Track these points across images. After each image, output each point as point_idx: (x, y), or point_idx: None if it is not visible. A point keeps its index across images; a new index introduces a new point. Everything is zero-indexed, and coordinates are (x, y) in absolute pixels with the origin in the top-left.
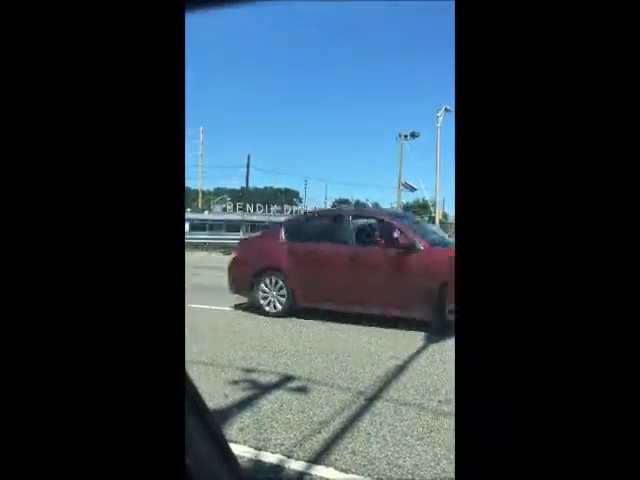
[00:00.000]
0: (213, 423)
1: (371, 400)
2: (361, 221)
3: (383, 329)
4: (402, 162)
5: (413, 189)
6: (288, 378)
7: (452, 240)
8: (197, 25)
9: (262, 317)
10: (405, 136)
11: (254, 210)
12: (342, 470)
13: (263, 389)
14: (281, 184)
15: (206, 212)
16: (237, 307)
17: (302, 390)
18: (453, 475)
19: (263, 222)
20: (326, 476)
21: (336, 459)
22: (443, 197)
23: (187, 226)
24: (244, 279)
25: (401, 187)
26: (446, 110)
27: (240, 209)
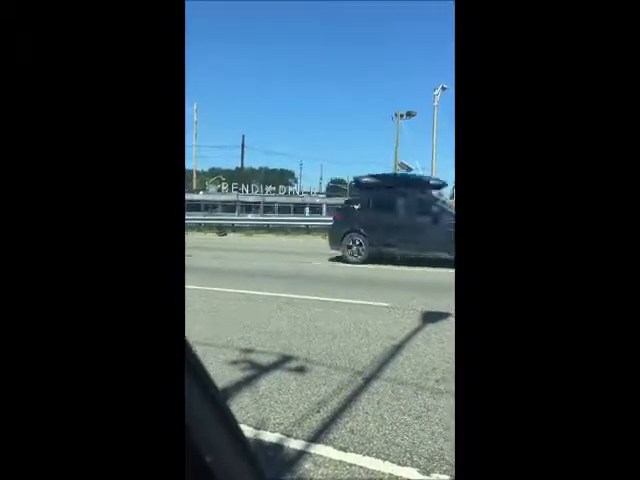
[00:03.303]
0: (233, 418)
1: (369, 380)
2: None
3: (380, 309)
4: (398, 142)
5: (409, 169)
6: (286, 358)
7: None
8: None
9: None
10: (401, 115)
11: (249, 191)
12: (341, 449)
13: (262, 369)
14: (276, 164)
15: (201, 193)
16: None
17: (300, 370)
18: (449, 453)
19: (258, 203)
20: (326, 455)
21: (335, 438)
22: (439, 177)
23: None
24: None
25: (397, 167)
26: (443, 88)
27: (235, 189)
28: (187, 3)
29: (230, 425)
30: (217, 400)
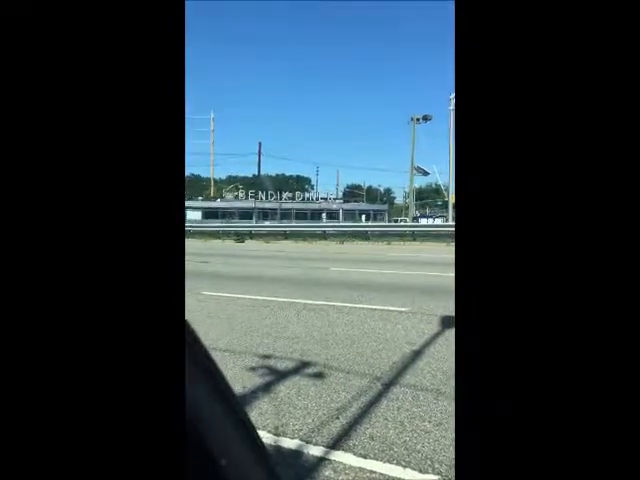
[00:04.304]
0: (249, 423)
1: (388, 386)
2: None
3: (398, 315)
4: (414, 146)
5: (426, 173)
6: (305, 364)
7: None
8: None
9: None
10: (417, 119)
11: (266, 197)
12: (361, 455)
13: (280, 375)
14: (292, 171)
15: (218, 200)
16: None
17: (319, 376)
18: None
19: (275, 209)
20: (346, 462)
21: (354, 444)
22: None
23: (199, 214)
24: None
25: (413, 171)
26: None
27: (252, 196)
28: (187, 3)
29: (246, 429)
30: (233, 405)
